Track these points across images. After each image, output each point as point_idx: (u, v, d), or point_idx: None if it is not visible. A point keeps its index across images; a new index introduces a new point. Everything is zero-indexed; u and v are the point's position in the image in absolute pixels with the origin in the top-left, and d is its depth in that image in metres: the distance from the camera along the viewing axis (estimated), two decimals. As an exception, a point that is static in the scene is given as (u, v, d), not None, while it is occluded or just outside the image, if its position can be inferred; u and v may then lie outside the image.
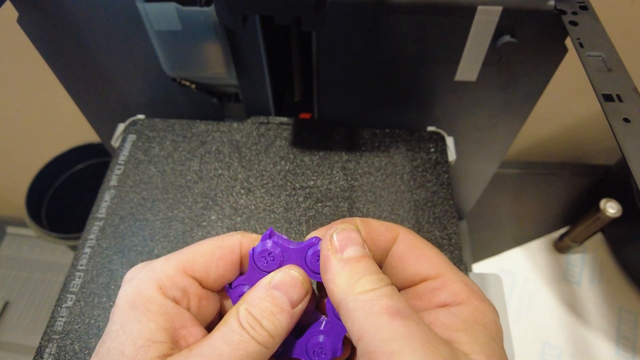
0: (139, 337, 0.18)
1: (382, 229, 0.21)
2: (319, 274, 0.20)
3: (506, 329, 0.32)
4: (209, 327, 0.22)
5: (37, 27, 0.34)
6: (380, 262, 0.22)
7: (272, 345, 0.19)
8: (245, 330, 0.18)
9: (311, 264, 0.20)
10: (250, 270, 0.21)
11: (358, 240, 0.20)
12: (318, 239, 0.20)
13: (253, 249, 0.21)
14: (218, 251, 0.21)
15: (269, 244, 0.20)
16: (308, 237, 0.21)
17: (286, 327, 0.19)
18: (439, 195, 0.34)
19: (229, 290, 0.22)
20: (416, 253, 0.21)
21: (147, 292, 0.19)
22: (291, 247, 0.20)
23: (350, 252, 0.19)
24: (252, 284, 0.21)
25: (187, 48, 0.34)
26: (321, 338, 0.20)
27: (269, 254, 0.20)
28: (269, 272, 0.20)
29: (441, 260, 0.21)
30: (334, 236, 0.19)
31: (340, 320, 0.20)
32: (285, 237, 0.21)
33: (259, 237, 0.21)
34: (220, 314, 0.22)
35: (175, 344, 0.19)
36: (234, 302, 0.21)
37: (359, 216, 0.33)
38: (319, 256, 0.20)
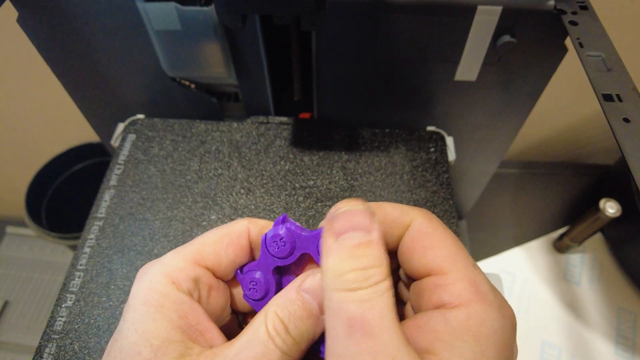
0: (155, 336, 0.18)
1: (396, 214, 0.20)
2: None
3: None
4: (218, 321, 0.21)
5: (37, 27, 0.34)
6: (394, 248, 0.20)
7: (296, 352, 0.18)
8: (271, 339, 0.17)
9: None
10: (262, 255, 0.21)
11: (361, 224, 0.17)
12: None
13: (265, 234, 0.20)
14: (226, 238, 0.20)
15: (282, 229, 0.20)
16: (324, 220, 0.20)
17: (312, 334, 0.18)
18: (438, 195, 0.34)
19: (239, 276, 0.21)
20: (424, 244, 0.19)
21: (159, 288, 0.19)
22: (303, 234, 0.20)
23: (347, 238, 0.17)
24: (263, 269, 0.21)
25: (186, 48, 0.34)
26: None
27: (280, 239, 0.20)
28: (280, 258, 0.20)
29: (450, 253, 0.18)
30: (334, 217, 0.18)
31: None
32: (298, 224, 0.21)
33: (267, 223, 0.21)
34: (230, 307, 0.22)
35: (192, 341, 0.18)
36: (244, 288, 0.21)
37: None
38: None
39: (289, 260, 0.20)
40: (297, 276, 0.21)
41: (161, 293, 0.18)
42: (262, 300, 0.21)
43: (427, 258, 0.18)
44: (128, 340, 0.18)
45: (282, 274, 0.22)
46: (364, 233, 0.17)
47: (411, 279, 0.20)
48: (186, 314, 0.18)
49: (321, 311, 0.18)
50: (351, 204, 0.18)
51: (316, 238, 0.20)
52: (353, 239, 0.17)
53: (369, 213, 0.18)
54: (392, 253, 0.20)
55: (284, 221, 0.20)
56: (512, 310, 0.18)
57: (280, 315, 0.18)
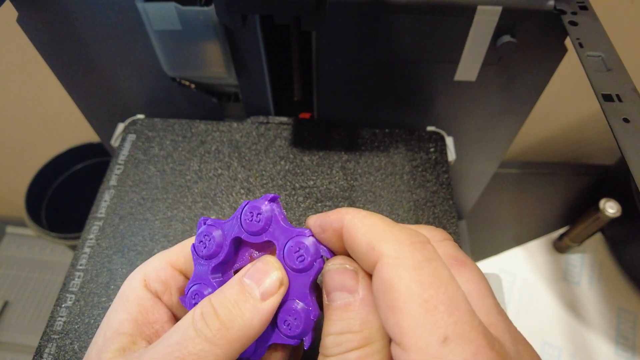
0: (109, 328, 0.18)
1: (363, 248, 0.16)
2: (293, 269, 0.18)
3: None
4: None
5: (37, 27, 0.34)
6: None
7: (222, 340, 0.16)
8: (192, 324, 0.16)
9: (288, 254, 0.18)
10: (231, 219, 0.19)
11: (344, 285, 0.16)
12: (308, 232, 0.18)
13: (247, 201, 0.19)
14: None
15: (265, 205, 0.19)
16: (308, 220, 0.19)
17: (248, 322, 0.17)
18: (438, 195, 0.34)
19: (199, 225, 0.20)
20: (387, 302, 0.14)
21: (132, 284, 0.20)
22: (283, 223, 0.18)
23: (332, 299, 0.16)
24: (225, 231, 0.19)
25: (186, 48, 0.34)
26: None
27: (258, 214, 0.18)
28: (247, 231, 0.19)
29: (414, 323, 0.13)
30: (324, 274, 0.17)
31: (273, 330, 0.18)
32: (284, 213, 0.19)
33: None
34: None
35: (143, 338, 0.18)
36: (196, 239, 0.20)
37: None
38: (299, 248, 0.18)
39: (254, 238, 0.19)
40: (251, 258, 0.20)
41: (131, 288, 0.19)
42: (205, 259, 0.19)
43: (389, 323, 0.14)
44: (97, 331, 0.19)
45: (238, 250, 0.20)
46: (346, 294, 0.16)
47: None
48: (147, 310, 0.19)
49: (262, 297, 0.17)
50: (338, 261, 0.17)
51: (291, 235, 0.18)
52: (337, 300, 0.16)
53: (352, 272, 0.17)
54: None
55: (272, 200, 0.19)
56: None
57: (212, 300, 0.17)
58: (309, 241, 0.18)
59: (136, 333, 0.18)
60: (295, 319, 0.18)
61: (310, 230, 0.18)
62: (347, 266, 0.17)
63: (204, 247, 0.19)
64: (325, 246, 0.18)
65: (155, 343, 0.17)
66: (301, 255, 0.18)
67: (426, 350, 0.13)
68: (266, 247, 0.20)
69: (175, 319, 0.20)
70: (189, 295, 0.19)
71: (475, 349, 0.13)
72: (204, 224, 0.20)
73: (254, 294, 0.17)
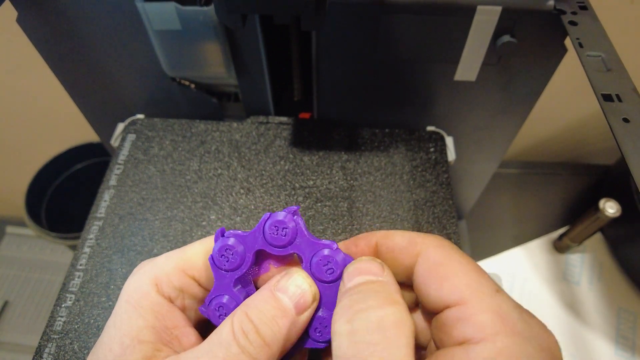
0: (126, 334, 0.18)
1: (404, 243, 0.19)
2: (323, 280, 0.19)
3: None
4: (207, 332, 0.21)
5: (36, 27, 0.34)
6: (408, 280, 0.19)
7: (265, 356, 0.17)
8: (235, 340, 0.17)
9: (316, 267, 0.19)
10: (254, 232, 0.19)
11: (366, 269, 0.18)
12: (334, 244, 0.19)
13: (270, 214, 0.19)
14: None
15: (290, 220, 0.19)
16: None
17: (285, 336, 0.17)
18: (438, 195, 0.34)
19: (217, 236, 0.20)
20: (439, 274, 0.17)
21: (143, 288, 0.19)
22: (309, 237, 0.19)
23: (353, 279, 0.18)
24: (247, 245, 0.19)
25: (186, 48, 0.34)
26: None
27: (283, 228, 0.19)
28: (272, 244, 0.19)
29: (469, 281, 0.16)
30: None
31: (303, 335, 0.19)
32: (306, 225, 0.20)
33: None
34: None
35: (164, 344, 0.18)
36: (217, 252, 0.19)
37: (358, 216, 0.33)
38: (328, 261, 0.19)
39: (280, 251, 0.19)
40: (271, 267, 0.20)
41: (143, 293, 0.19)
42: (227, 272, 0.19)
43: (444, 289, 0.17)
44: (107, 336, 0.18)
45: (258, 260, 0.20)
46: (370, 276, 0.18)
47: (432, 314, 0.18)
48: (163, 316, 0.19)
49: (297, 312, 0.18)
50: (367, 257, 0.19)
51: (317, 247, 0.19)
52: (355, 280, 0.18)
53: (379, 264, 0.18)
54: (409, 287, 0.19)
55: (295, 214, 0.19)
56: (552, 338, 0.17)
57: (250, 315, 0.17)
58: (337, 254, 0.19)
59: (157, 340, 0.18)
60: (325, 326, 0.19)
61: (335, 242, 0.19)
62: (377, 260, 0.19)
63: (227, 261, 0.19)
64: (350, 257, 0.19)
65: (193, 354, 0.17)
66: (330, 268, 0.19)
67: (487, 300, 0.16)
68: (287, 257, 0.20)
69: (190, 322, 0.20)
70: (213, 307, 0.19)
71: (512, 300, 0.17)
72: (222, 235, 0.20)
73: (289, 308, 0.18)
